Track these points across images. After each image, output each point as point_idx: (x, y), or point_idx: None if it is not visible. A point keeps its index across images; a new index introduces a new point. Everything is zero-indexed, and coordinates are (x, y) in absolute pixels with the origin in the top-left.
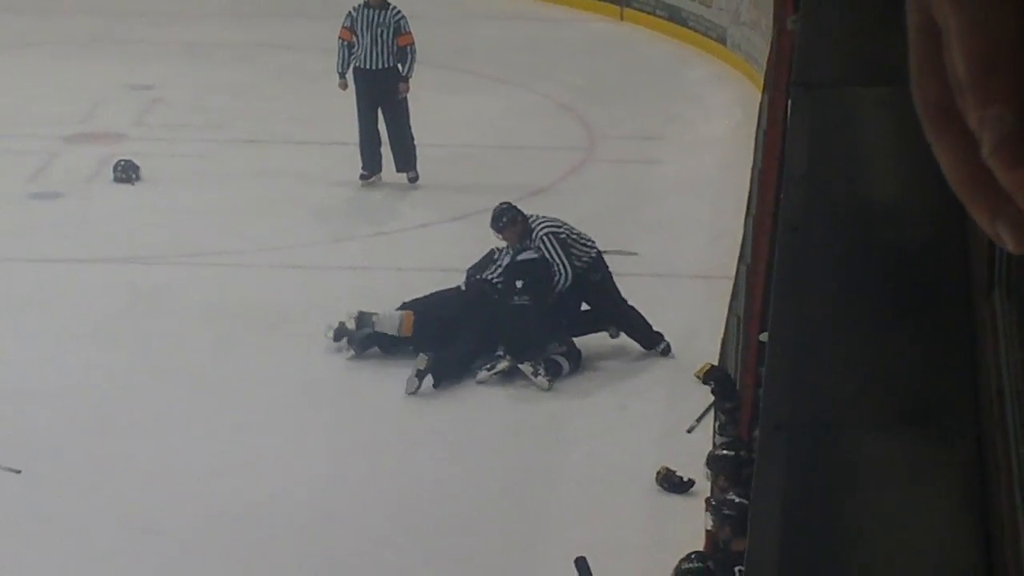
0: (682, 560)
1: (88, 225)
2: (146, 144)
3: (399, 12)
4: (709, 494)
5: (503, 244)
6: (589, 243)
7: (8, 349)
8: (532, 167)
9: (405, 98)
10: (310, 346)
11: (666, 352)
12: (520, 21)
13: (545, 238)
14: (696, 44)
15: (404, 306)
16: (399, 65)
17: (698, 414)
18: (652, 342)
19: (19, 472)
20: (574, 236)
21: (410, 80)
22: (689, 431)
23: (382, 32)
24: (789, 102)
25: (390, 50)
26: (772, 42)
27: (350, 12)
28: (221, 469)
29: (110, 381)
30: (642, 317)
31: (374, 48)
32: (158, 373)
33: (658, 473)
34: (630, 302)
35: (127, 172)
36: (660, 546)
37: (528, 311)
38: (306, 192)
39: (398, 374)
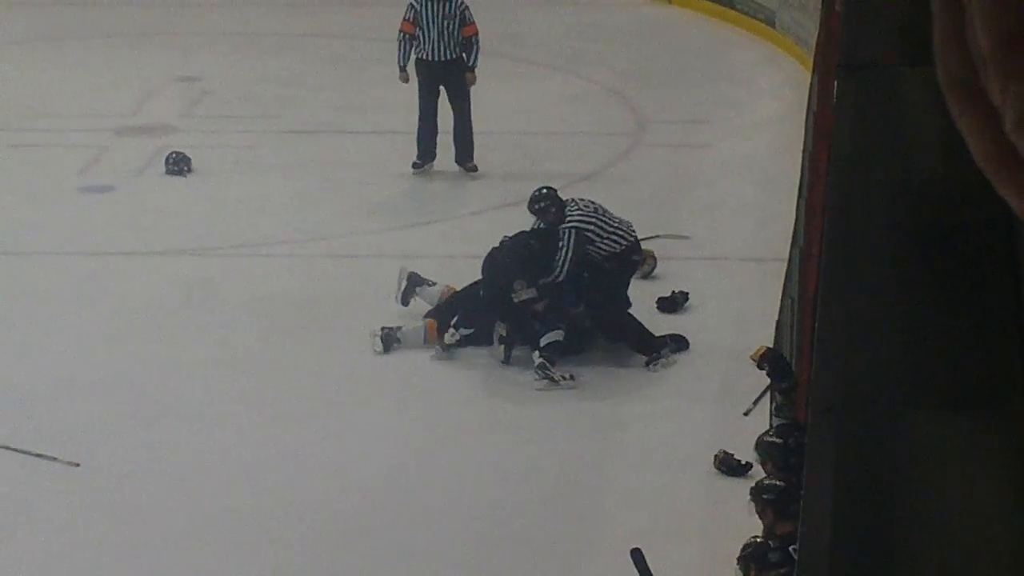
0: (745, 544)
1: (140, 218)
2: (196, 136)
3: (463, 3)
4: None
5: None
6: (622, 237)
7: (60, 342)
8: (581, 153)
9: (468, 90)
10: (364, 335)
11: (652, 363)
12: (567, 7)
13: (569, 232)
14: (745, 27)
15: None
16: (463, 56)
17: (755, 397)
18: (646, 349)
19: (77, 465)
20: (606, 230)
21: (476, 70)
22: (746, 414)
23: (448, 24)
24: (836, 83)
25: (456, 41)
26: (821, 23)
27: (412, 4)
28: (273, 460)
29: (163, 373)
30: (639, 325)
31: (440, 40)
32: (211, 364)
33: (716, 456)
34: (682, 286)
35: (179, 164)
36: (719, 529)
37: (503, 251)
38: (356, 181)
39: (449, 363)
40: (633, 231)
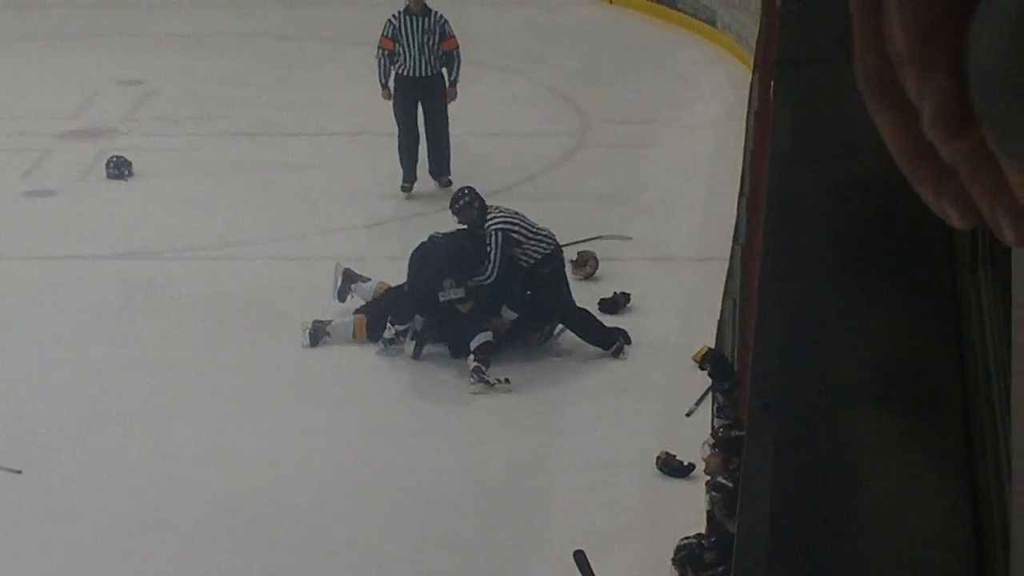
0: (681, 538)
1: (82, 222)
2: (139, 138)
3: (442, 16)
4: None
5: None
6: (547, 240)
7: (4, 346)
8: (525, 154)
9: (447, 105)
10: (305, 337)
11: (617, 353)
12: (510, 7)
13: (494, 233)
14: (686, 26)
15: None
16: (442, 71)
17: (697, 397)
18: (605, 342)
19: (19, 472)
20: (530, 233)
21: (457, 84)
22: (688, 414)
23: (428, 38)
24: (774, 80)
25: (436, 56)
26: (761, 22)
27: (390, 20)
28: (219, 462)
29: (107, 377)
30: (593, 318)
31: (421, 56)
32: (155, 368)
33: (658, 457)
34: (624, 287)
35: (119, 168)
36: (661, 530)
37: (434, 248)
38: (300, 183)
39: (391, 364)
40: (554, 235)
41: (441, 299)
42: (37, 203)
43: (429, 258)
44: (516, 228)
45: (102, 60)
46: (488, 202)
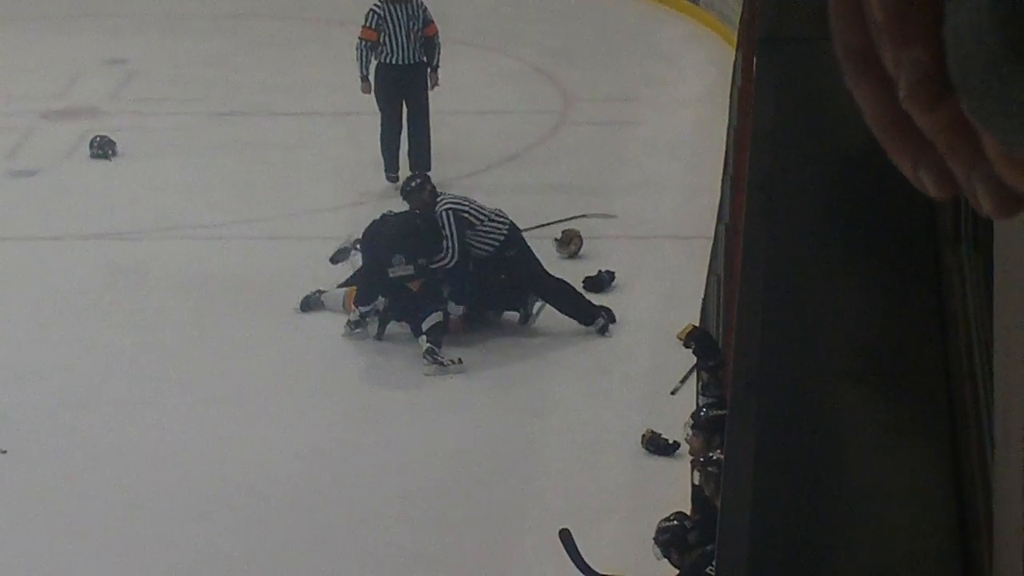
0: (662, 520)
1: (66, 202)
2: (123, 118)
3: (422, 2)
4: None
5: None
6: (501, 221)
7: None
8: (507, 132)
9: (428, 95)
10: (292, 318)
11: (603, 331)
12: None
13: (445, 213)
14: (669, 4)
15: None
16: (424, 58)
17: (682, 375)
18: (587, 317)
19: (5, 452)
20: (483, 215)
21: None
22: (673, 392)
23: (413, 25)
24: (756, 58)
25: (420, 42)
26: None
27: (373, 10)
28: (207, 443)
29: (93, 357)
30: (574, 290)
31: (408, 43)
32: (141, 348)
33: (643, 436)
34: (608, 265)
35: (103, 148)
36: (646, 508)
37: (387, 226)
38: (285, 163)
39: (374, 345)
40: (507, 216)
41: (391, 275)
42: (20, 183)
43: (381, 236)
44: (467, 210)
45: (86, 40)
46: (467, 183)
